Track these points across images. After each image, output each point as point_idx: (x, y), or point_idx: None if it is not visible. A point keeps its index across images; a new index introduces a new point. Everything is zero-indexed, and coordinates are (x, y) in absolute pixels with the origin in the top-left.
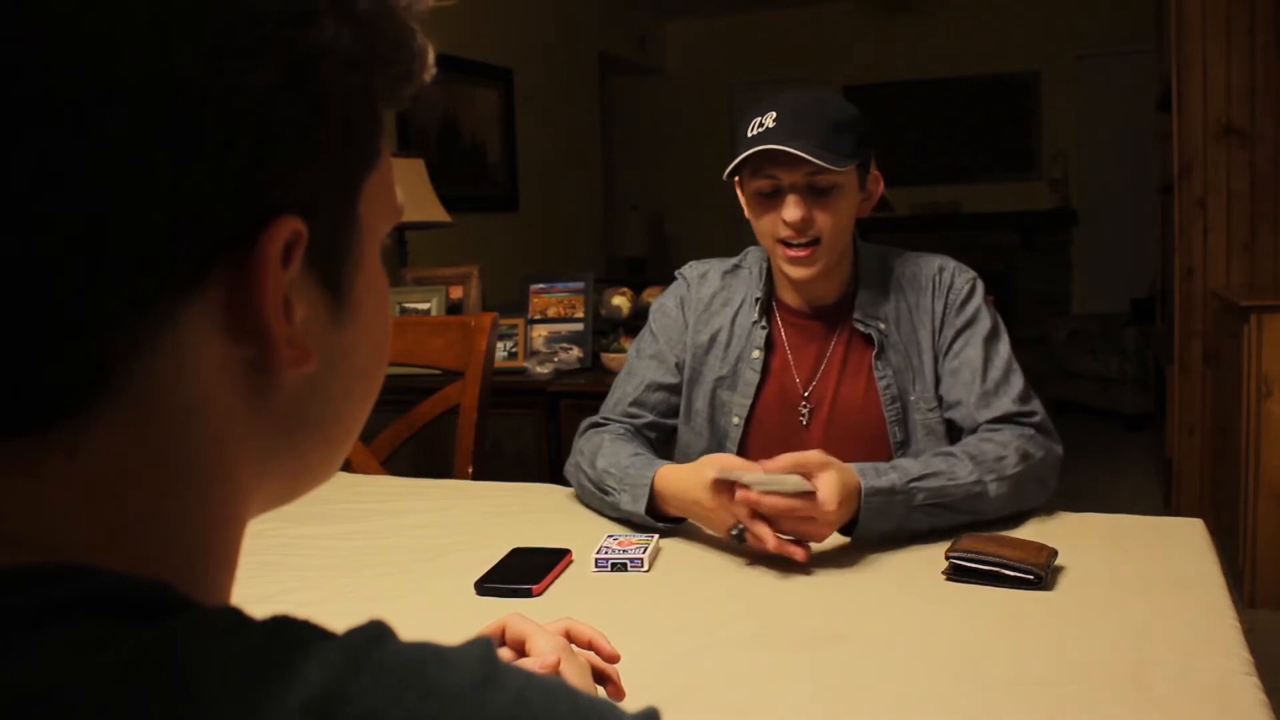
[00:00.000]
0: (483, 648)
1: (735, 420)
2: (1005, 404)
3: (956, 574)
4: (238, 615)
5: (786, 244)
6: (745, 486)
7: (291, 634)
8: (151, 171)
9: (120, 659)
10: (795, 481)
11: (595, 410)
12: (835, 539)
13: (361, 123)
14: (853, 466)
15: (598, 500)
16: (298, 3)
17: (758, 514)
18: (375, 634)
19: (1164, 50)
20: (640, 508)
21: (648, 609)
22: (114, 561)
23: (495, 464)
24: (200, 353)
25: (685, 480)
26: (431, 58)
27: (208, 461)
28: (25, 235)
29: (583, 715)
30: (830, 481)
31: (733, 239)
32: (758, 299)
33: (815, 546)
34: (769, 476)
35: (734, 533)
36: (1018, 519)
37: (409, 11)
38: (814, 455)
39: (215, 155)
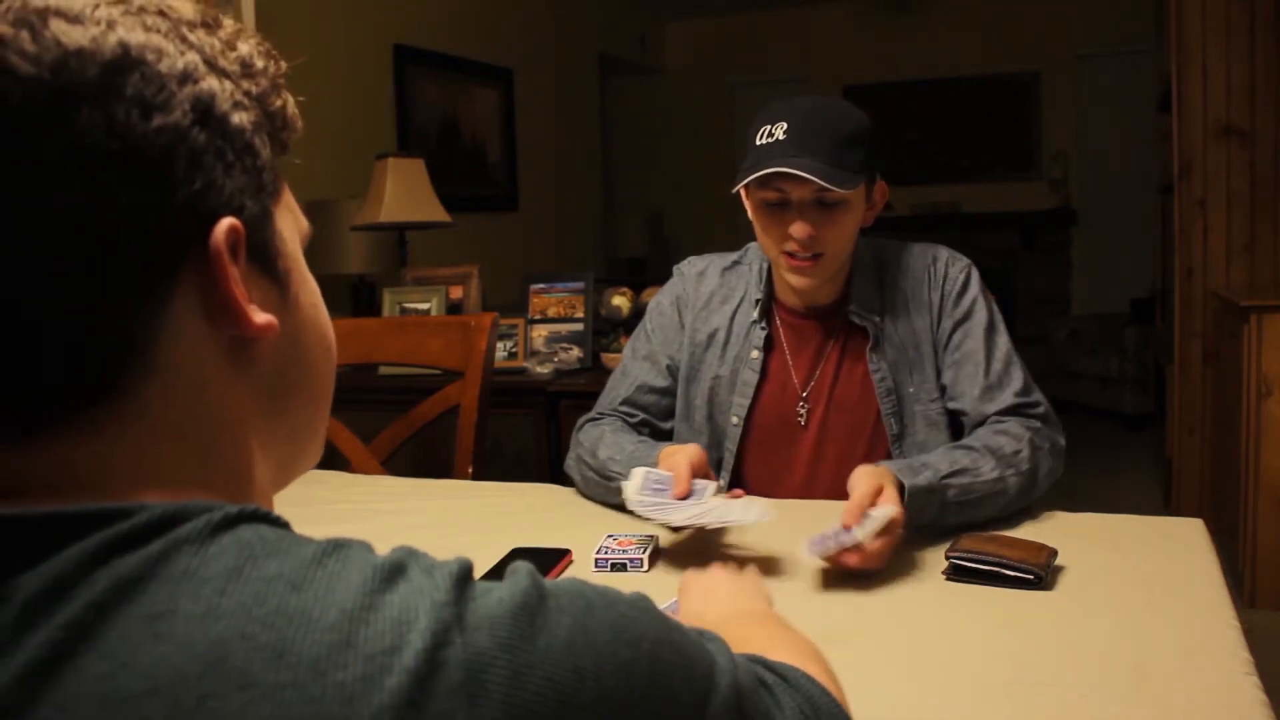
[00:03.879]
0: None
1: (734, 420)
2: (1009, 396)
3: (956, 574)
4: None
5: (790, 255)
6: (855, 546)
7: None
8: (124, 189)
9: (237, 538)
10: (884, 513)
11: None
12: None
13: (260, 149)
14: (885, 467)
15: (601, 489)
16: (188, 66)
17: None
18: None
19: (1164, 50)
20: None
21: None
22: (185, 492)
23: (495, 464)
24: (192, 334)
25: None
26: (298, 117)
27: (224, 417)
28: (50, 252)
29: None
30: (892, 495)
31: (733, 239)
32: (757, 300)
33: None
34: (865, 524)
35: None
36: (1017, 518)
37: (266, 72)
38: (870, 481)
39: (160, 171)
